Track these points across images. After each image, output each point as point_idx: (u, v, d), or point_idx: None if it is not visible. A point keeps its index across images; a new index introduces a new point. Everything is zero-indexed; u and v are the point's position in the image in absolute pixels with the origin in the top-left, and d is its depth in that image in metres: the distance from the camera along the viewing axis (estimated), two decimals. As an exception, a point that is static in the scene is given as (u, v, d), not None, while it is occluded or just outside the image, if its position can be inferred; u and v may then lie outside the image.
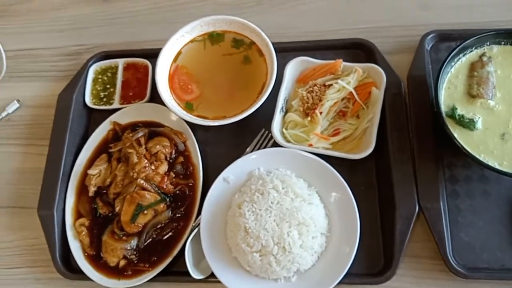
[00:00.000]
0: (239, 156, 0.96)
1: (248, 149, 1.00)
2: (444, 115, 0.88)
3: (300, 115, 0.98)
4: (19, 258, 1.02)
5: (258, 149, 0.99)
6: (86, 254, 0.95)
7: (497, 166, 0.84)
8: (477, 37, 0.92)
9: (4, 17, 1.30)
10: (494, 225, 0.89)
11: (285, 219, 0.85)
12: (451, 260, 0.86)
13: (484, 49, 0.95)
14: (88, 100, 1.10)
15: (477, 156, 0.84)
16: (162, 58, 1.03)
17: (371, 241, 0.91)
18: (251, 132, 1.02)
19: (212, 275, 0.88)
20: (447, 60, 0.91)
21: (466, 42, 0.92)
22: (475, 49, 0.94)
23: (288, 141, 0.96)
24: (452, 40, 1.03)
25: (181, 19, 1.13)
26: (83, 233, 0.96)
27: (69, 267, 0.97)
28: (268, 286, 0.86)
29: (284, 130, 0.98)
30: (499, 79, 0.92)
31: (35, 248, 1.02)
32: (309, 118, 0.96)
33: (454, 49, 0.91)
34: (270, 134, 0.99)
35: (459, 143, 0.84)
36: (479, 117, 0.89)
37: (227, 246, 0.89)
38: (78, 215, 0.99)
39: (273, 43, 1.02)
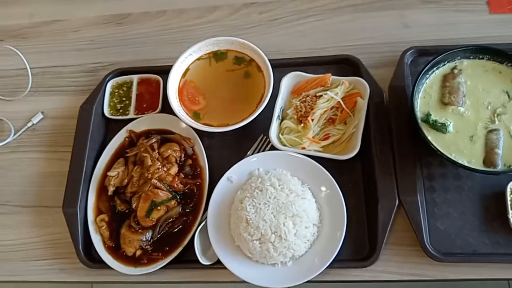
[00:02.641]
0: (240, 159, 1.06)
1: (249, 153, 1.11)
2: (419, 120, 0.99)
3: (295, 122, 1.08)
4: (45, 251, 1.12)
5: (258, 152, 1.10)
6: (106, 245, 1.06)
7: (466, 164, 0.94)
8: (448, 52, 1.03)
9: (27, 39, 1.43)
10: (467, 216, 0.99)
11: (281, 212, 0.95)
12: (428, 247, 0.95)
13: (455, 63, 1.05)
14: (106, 111, 1.22)
15: (449, 155, 0.95)
16: (172, 74, 1.15)
17: (357, 231, 1.01)
18: (251, 138, 1.13)
19: (218, 261, 0.99)
20: (422, 73, 1.02)
21: (439, 57, 1.03)
22: (447, 62, 1.05)
23: (284, 145, 1.06)
24: (429, 55, 1.11)
25: (188, 39, 1.24)
26: (104, 227, 1.07)
27: (91, 258, 1.07)
28: (267, 270, 0.96)
29: (280, 135, 1.08)
30: (468, 89, 1.02)
31: (59, 242, 1.12)
32: (302, 125, 1.06)
33: (428, 63, 1.02)
34: (268, 139, 1.10)
35: (432, 144, 0.95)
36: (450, 122, 0.99)
37: (231, 236, 1.00)
38: (99, 211, 1.10)
39: (270, 60, 1.13)
